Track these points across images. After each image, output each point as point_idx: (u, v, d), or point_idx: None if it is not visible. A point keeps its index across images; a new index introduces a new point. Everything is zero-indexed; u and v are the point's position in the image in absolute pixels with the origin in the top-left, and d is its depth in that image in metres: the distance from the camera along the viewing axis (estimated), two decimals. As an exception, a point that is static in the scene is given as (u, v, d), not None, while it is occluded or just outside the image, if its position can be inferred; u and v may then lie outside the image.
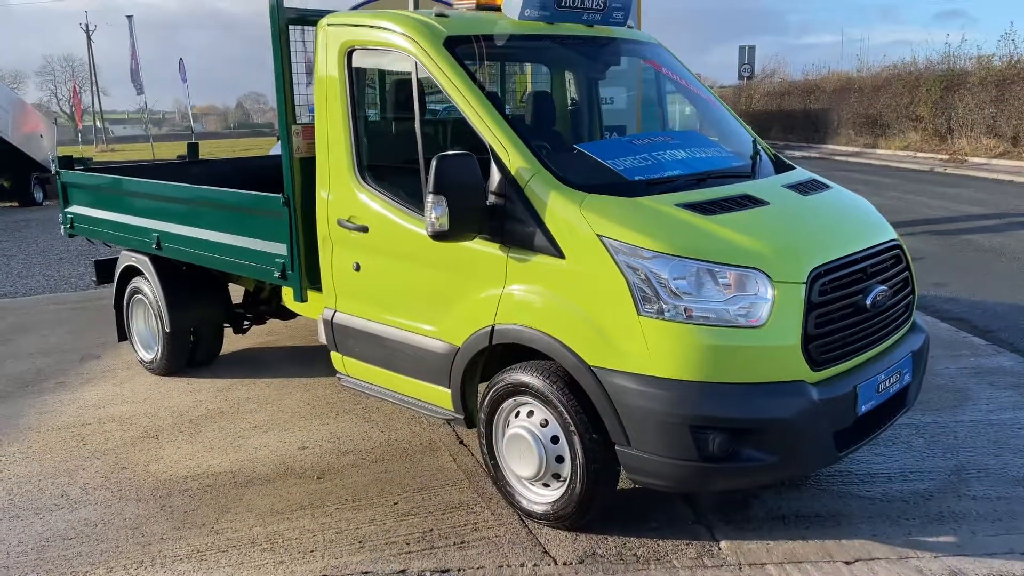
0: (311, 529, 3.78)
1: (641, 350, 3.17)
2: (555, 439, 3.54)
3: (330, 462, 4.52)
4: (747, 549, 3.43)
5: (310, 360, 6.28)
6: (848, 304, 3.37)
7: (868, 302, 3.39)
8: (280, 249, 4.73)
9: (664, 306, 3.15)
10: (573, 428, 3.42)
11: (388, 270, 4.16)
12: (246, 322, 6.28)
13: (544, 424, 3.57)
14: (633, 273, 3.20)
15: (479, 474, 4.24)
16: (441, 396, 4.01)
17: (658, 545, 3.49)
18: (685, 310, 3.14)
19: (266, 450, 4.74)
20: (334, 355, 4.64)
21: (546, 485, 3.65)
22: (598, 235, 3.29)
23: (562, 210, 3.40)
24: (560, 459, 3.55)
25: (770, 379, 3.15)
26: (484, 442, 3.85)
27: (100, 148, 49.65)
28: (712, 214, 3.40)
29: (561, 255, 3.38)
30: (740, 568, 3.29)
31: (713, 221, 3.36)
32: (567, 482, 3.54)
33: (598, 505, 3.51)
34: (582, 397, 3.39)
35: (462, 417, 3.96)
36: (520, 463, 3.65)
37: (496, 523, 3.73)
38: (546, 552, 3.47)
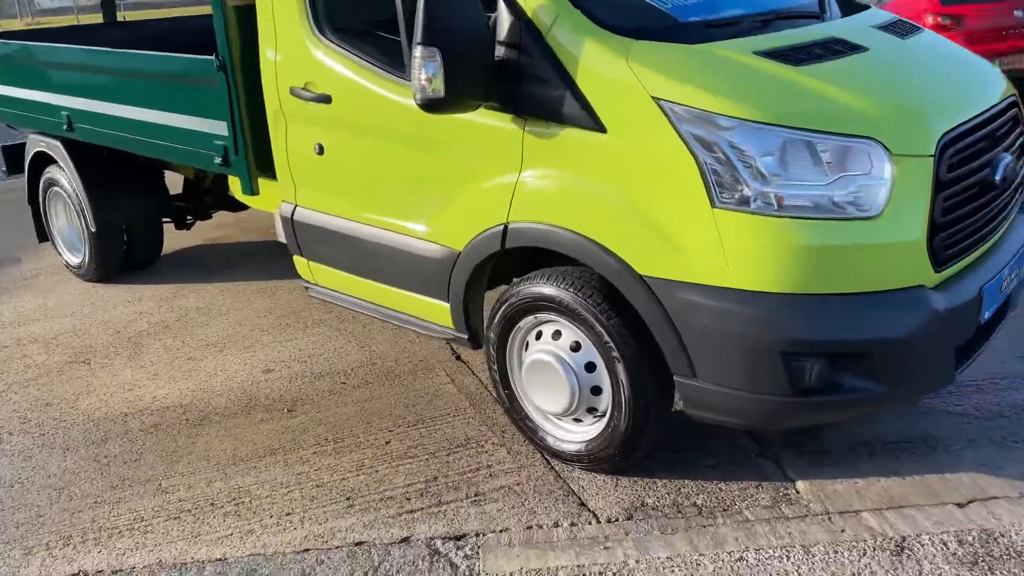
0: (285, 482, 3.03)
1: (715, 254, 2.36)
2: (590, 366, 2.78)
3: (302, 389, 3.74)
4: (831, 491, 2.76)
5: (270, 258, 5.39)
6: (978, 181, 2.57)
7: (997, 177, 2.60)
8: (219, 128, 3.75)
9: (748, 194, 2.32)
10: (616, 354, 2.65)
11: (361, 153, 3.25)
12: (189, 216, 5.33)
13: (575, 348, 2.79)
14: (705, 150, 2.34)
15: (486, 399, 3.50)
16: (437, 311, 3.20)
17: (720, 490, 2.81)
18: (776, 199, 2.32)
19: (223, 376, 3.93)
20: (298, 260, 3.77)
21: (578, 420, 2.92)
22: (654, 98, 2.40)
23: (602, 64, 2.50)
24: (597, 390, 2.80)
25: (884, 287, 2.37)
26: (495, 367, 3.08)
27: (26, 21, 45.81)
28: (802, 64, 2.52)
29: (600, 127, 2.50)
30: (829, 518, 2.63)
31: (805, 74, 2.48)
32: (607, 418, 2.80)
33: (646, 445, 2.80)
34: (628, 314, 2.61)
35: (466, 336, 3.17)
36: (544, 395, 2.89)
37: (515, 466, 3.01)
38: (584, 505, 2.78)
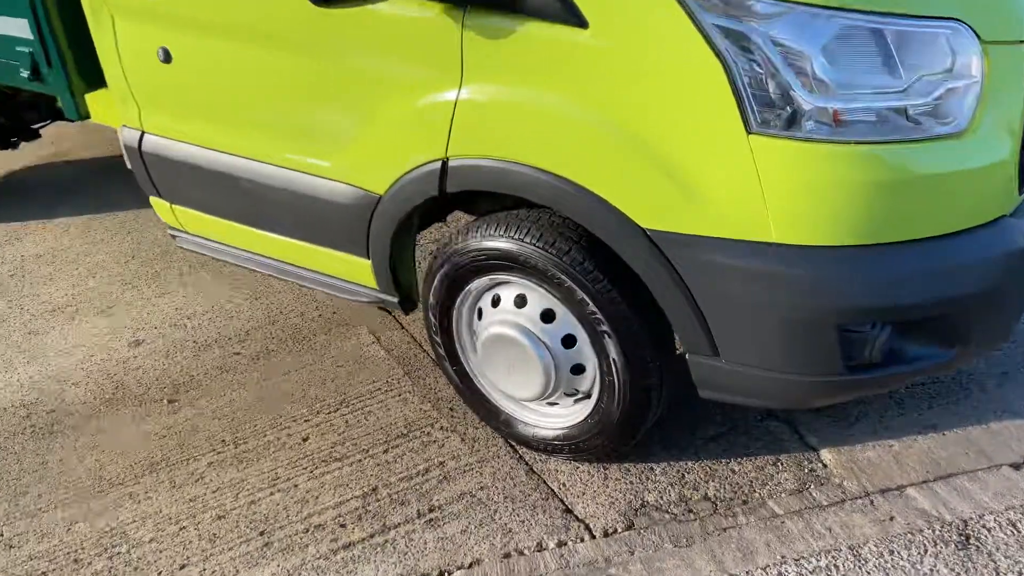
0: (174, 515, 2.31)
1: (750, 199, 1.70)
2: (568, 340, 2.12)
3: (184, 367, 2.95)
4: (864, 461, 2.27)
5: (123, 180, 4.39)
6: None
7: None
8: (20, 29, 2.73)
9: (799, 111, 1.64)
10: (606, 328, 2.00)
11: (226, 60, 2.35)
12: (13, 137, 4.23)
13: (547, 317, 2.12)
14: (738, 51, 1.63)
15: (424, 364, 2.82)
16: (354, 268, 2.45)
17: (732, 472, 2.27)
18: (833, 117, 1.65)
19: (79, 353, 3.08)
20: (157, 203, 2.89)
21: (553, 404, 2.29)
22: (661, -26, 1.65)
23: (578, -78, 1.71)
24: (578, 369, 2.16)
25: (967, 224, 1.78)
26: (438, 340, 2.39)
27: None
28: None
29: (579, 19, 1.73)
30: (871, 501, 2.14)
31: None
32: (593, 401, 2.18)
33: (645, 430, 2.21)
34: (620, 274, 1.95)
35: (395, 299, 2.44)
36: (509, 378, 2.24)
37: (475, 460, 2.38)
38: (570, 512, 2.19)
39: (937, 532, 2.04)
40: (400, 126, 2.07)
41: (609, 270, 1.96)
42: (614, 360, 2.04)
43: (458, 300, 2.28)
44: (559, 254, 1.99)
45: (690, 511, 2.16)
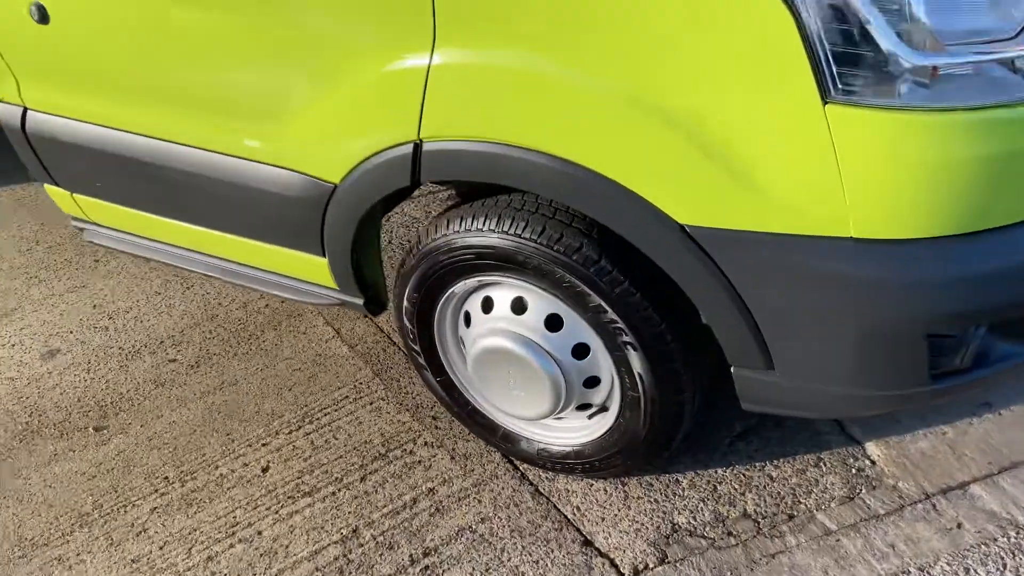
0: (115, 582, 1.92)
1: (823, 186, 1.32)
2: (580, 349, 1.76)
3: (110, 382, 2.50)
4: (917, 455, 1.99)
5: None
6: None
7: None
8: None
9: (893, 69, 1.25)
10: (629, 339, 1.64)
11: (119, 17, 1.84)
12: None
13: (553, 325, 1.75)
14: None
15: (395, 360, 2.43)
16: (308, 267, 2.02)
17: (771, 479, 1.97)
18: (932, 74, 1.27)
19: (-20, 375, 2.61)
20: (54, 192, 2.38)
21: (560, 419, 1.94)
22: None
23: None
24: (593, 382, 1.81)
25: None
26: (416, 349, 1.99)
27: None
28: None
29: (594, -44, 1.30)
30: (933, 505, 1.87)
31: None
32: (612, 416, 1.84)
33: (676, 447, 1.88)
34: (645, 275, 1.58)
35: (360, 301, 2.03)
36: (509, 396, 1.87)
37: (469, 483, 2.03)
38: (590, 544, 1.87)
39: (1012, 540, 1.77)
40: (356, 100, 1.62)
41: (632, 270, 1.59)
42: (639, 375, 1.68)
43: (439, 304, 1.88)
44: (567, 252, 1.60)
45: (730, 534, 1.86)
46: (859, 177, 1.31)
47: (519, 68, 1.43)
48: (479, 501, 1.99)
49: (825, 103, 1.27)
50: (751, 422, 2.11)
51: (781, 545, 1.82)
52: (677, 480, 1.98)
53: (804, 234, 1.37)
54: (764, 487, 1.95)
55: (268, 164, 1.83)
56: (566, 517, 1.93)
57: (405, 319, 1.95)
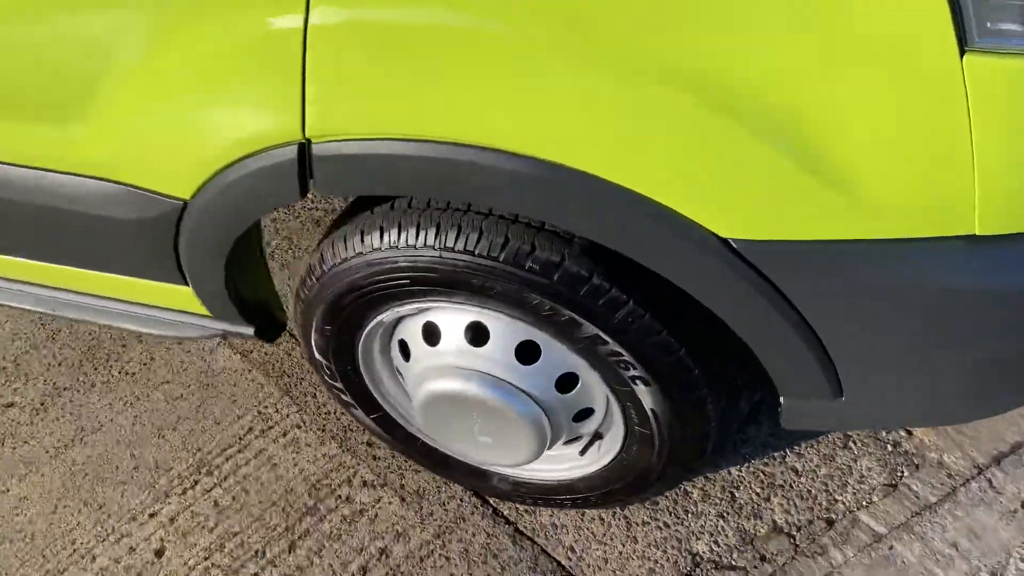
0: None
1: (946, 170, 0.87)
2: (566, 380, 1.30)
3: (-70, 450, 1.90)
4: (958, 444, 1.67)
5: None
6: None
7: None
8: None
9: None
10: (639, 371, 1.19)
11: None
12: None
13: (527, 355, 1.28)
14: None
15: (304, 369, 1.92)
16: (170, 297, 1.46)
17: (797, 475, 1.62)
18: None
19: None
20: None
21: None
22: None
23: None
24: (584, 414, 1.37)
25: None
26: (339, 387, 1.50)
27: None
28: None
29: None
30: (988, 480, 1.56)
31: None
32: (614, 452, 1.41)
33: (693, 476, 1.48)
34: (654, 290, 1.12)
35: (250, 331, 1.50)
36: (478, 444, 1.41)
37: (431, 533, 1.60)
38: (596, 600, 1.50)
39: (1089, 517, 1.50)
40: (198, 80, 1.04)
41: (636, 285, 1.12)
42: (652, 411, 1.26)
43: (363, 335, 1.37)
44: (543, 271, 1.11)
45: (763, 558, 1.52)
46: (1000, 152, 0.86)
47: (466, 27, 0.88)
48: (447, 558, 1.57)
49: (964, 52, 0.80)
50: (754, 397, 1.74)
51: (827, 565, 1.50)
52: (686, 491, 1.61)
53: (904, 237, 0.93)
54: (790, 486, 1.60)
55: (90, 177, 1.23)
56: (560, 564, 1.54)
57: (317, 355, 1.43)
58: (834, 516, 1.55)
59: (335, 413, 1.82)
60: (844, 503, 1.57)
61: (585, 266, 1.11)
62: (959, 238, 0.92)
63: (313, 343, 1.41)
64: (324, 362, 1.44)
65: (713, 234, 0.95)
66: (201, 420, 1.86)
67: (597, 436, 1.44)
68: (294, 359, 1.95)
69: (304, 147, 1.03)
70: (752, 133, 0.88)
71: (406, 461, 1.71)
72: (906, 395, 1.13)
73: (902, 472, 1.60)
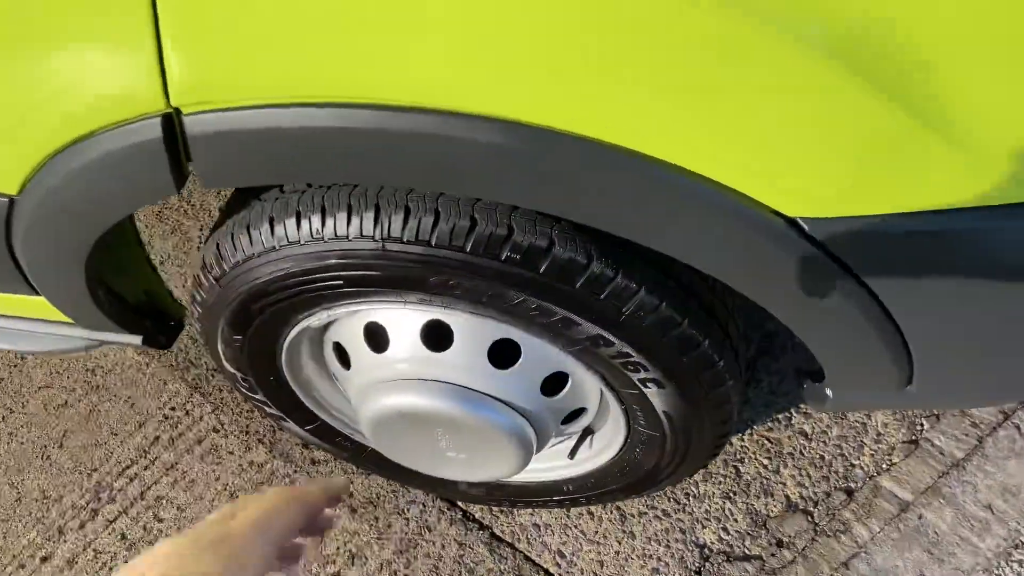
0: None
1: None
2: (553, 383, 1.03)
3: None
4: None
5: None
6: None
7: None
8: None
9: None
10: (652, 373, 0.93)
11: None
12: None
13: (503, 357, 0.99)
14: None
15: (217, 368, 1.60)
16: (26, 306, 1.11)
17: (807, 440, 1.41)
18: None
19: None
20: None
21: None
22: None
23: None
24: (575, 415, 1.11)
25: None
26: (262, 400, 1.19)
27: None
28: None
29: None
30: (1016, 428, 1.38)
31: None
32: (609, 452, 1.16)
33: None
34: (666, 273, 0.85)
35: (137, 340, 1.16)
36: (442, 461, 1.13)
37: (392, 551, 1.35)
38: (595, 613, 1.28)
39: None
40: (11, 33, 0.68)
41: (646, 269, 0.85)
42: (665, 413, 1.00)
43: (285, 343, 1.07)
44: (526, 260, 0.83)
45: (779, 543, 1.32)
46: None
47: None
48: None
49: None
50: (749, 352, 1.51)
51: (852, 544, 1.31)
52: (689, 492, 1.39)
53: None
54: (801, 452, 1.40)
55: None
56: (549, 574, 1.31)
57: (227, 365, 1.12)
58: (853, 485, 1.36)
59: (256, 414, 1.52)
60: (863, 468, 1.37)
61: (581, 250, 0.82)
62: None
63: (221, 354, 1.10)
64: (238, 374, 1.13)
65: (779, 215, 0.68)
66: (94, 432, 1.53)
67: (587, 432, 1.19)
68: (201, 346, 1.62)
69: (171, 119, 0.69)
70: (850, 78, 0.59)
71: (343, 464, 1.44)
72: (981, 379, 0.90)
73: (922, 425, 1.41)
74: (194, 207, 1.84)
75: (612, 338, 0.89)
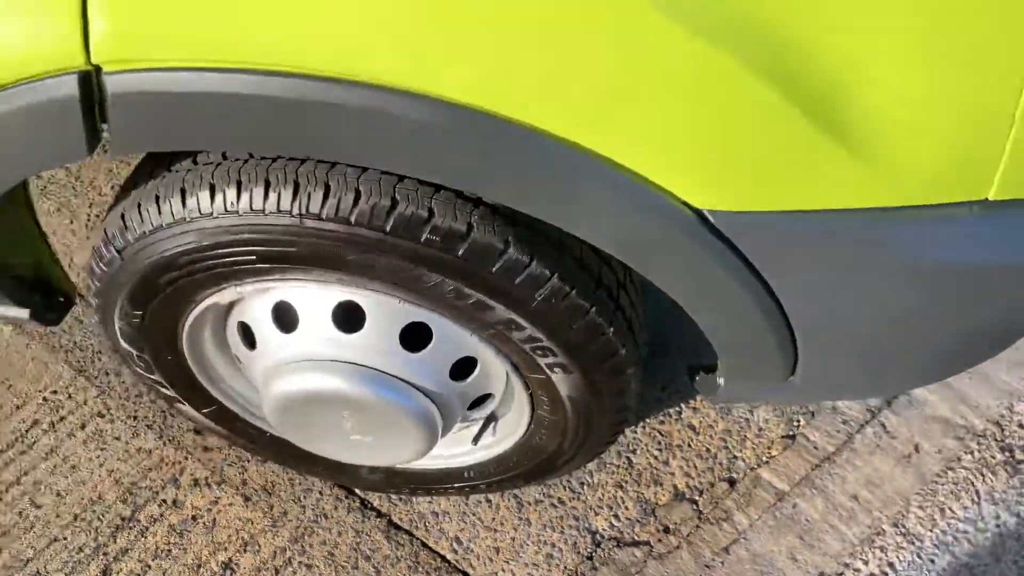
0: None
1: (975, 117, 0.69)
2: (462, 367, 1.05)
3: None
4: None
5: None
6: None
7: None
8: None
9: None
10: (558, 358, 0.96)
11: None
12: None
13: (414, 340, 1.01)
14: None
15: (102, 351, 1.53)
16: None
17: (694, 433, 1.48)
18: None
19: None
20: None
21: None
22: None
23: None
24: (481, 400, 1.14)
25: None
26: (159, 381, 1.15)
27: None
28: None
29: None
30: (881, 424, 1.50)
31: None
32: (512, 439, 1.19)
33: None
34: (579, 260, 0.90)
35: (25, 314, 1.11)
36: (345, 445, 1.13)
37: (287, 538, 1.33)
38: (490, 598, 1.31)
39: (977, 456, 1.48)
40: None
41: (560, 255, 0.89)
42: (569, 398, 1.04)
43: (185, 323, 1.04)
44: (445, 242, 0.85)
45: (666, 530, 1.38)
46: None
47: None
48: (308, 566, 1.31)
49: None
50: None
51: (732, 531, 1.39)
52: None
53: (924, 204, 0.75)
54: (688, 445, 1.47)
55: None
56: (445, 560, 1.33)
57: (123, 343, 1.08)
58: (735, 475, 1.44)
59: (150, 395, 1.47)
60: (744, 460, 1.46)
61: (498, 235, 0.85)
62: (972, 203, 0.75)
63: (118, 331, 1.06)
64: (133, 352, 1.10)
65: (686, 205, 0.72)
66: (-32, 416, 1.44)
67: (491, 419, 1.22)
68: (88, 327, 1.55)
69: (89, 77, 0.68)
70: (750, 74, 0.64)
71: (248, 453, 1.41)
72: (863, 373, 0.99)
73: (799, 421, 1.51)
74: (83, 184, 1.76)
75: (524, 323, 0.92)
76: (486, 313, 0.91)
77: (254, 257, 0.89)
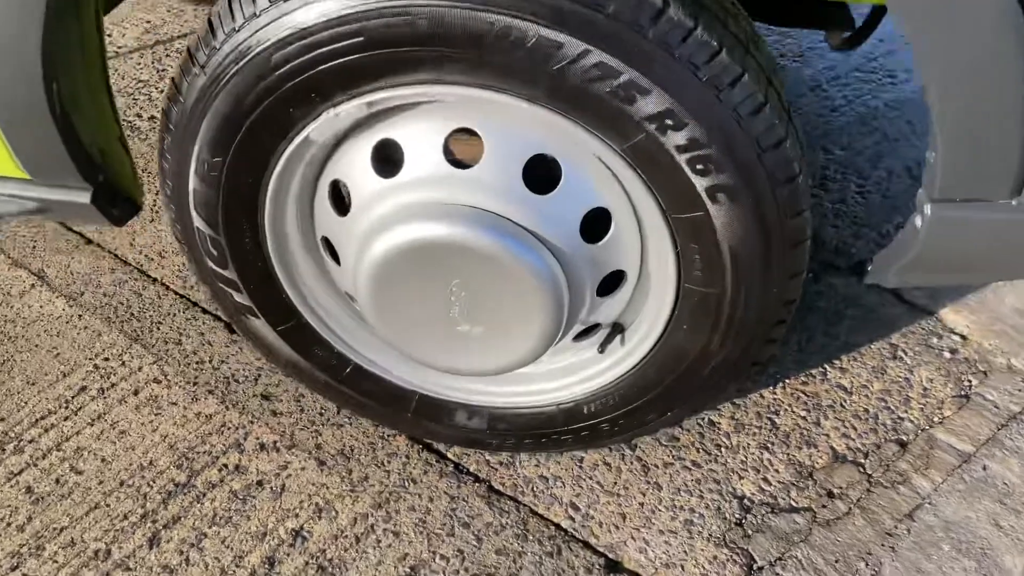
0: None
1: None
2: (594, 221, 0.87)
3: None
4: (1016, 319, 1.37)
5: None
6: None
7: None
8: None
9: None
10: (725, 175, 0.78)
11: None
12: None
13: (540, 182, 0.84)
14: None
15: (167, 308, 1.38)
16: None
17: (846, 393, 1.25)
18: None
19: None
20: None
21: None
22: None
23: None
24: (610, 283, 0.94)
25: None
26: (224, 273, 0.98)
27: None
28: None
29: None
30: (1066, 383, 1.26)
31: None
32: (649, 340, 0.97)
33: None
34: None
35: (87, 197, 0.96)
36: (449, 340, 0.93)
37: (369, 505, 1.10)
38: (618, 570, 1.05)
39: None
40: None
41: (734, 25, 0.73)
42: (730, 249, 0.84)
43: (272, 175, 0.89)
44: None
45: (830, 494, 1.12)
46: None
47: None
48: (395, 534, 1.07)
49: None
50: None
51: (913, 495, 1.12)
52: (711, 422, 1.20)
53: None
54: (841, 405, 1.23)
55: None
56: (561, 528, 1.08)
57: (196, 217, 0.93)
58: (905, 437, 1.19)
59: (213, 360, 1.29)
60: (912, 421, 1.21)
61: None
62: None
63: (191, 195, 0.91)
64: (207, 231, 0.94)
65: None
66: (5, 381, 1.27)
67: (617, 329, 1.01)
68: (147, 299, 1.40)
69: None
70: None
71: (322, 408, 1.21)
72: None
73: (968, 380, 1.27)
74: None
75: (684, 116, 0.75)
76: (635, 104, 0.74)
77: (362, 39, 0.74)
